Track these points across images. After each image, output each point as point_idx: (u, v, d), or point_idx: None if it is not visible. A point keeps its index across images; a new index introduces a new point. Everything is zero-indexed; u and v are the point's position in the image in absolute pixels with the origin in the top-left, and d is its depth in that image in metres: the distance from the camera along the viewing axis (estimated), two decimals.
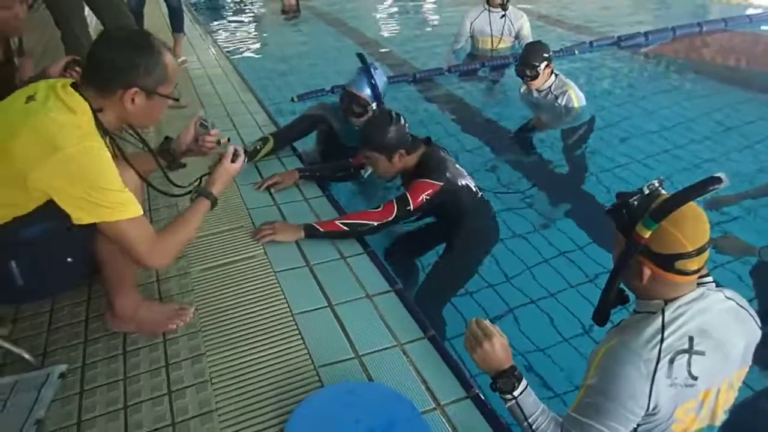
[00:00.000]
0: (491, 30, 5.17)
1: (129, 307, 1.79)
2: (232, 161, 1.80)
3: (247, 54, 6.57)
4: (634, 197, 1.28)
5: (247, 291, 2.00)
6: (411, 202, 2.20)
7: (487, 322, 1.47)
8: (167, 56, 1.60)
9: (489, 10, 5.12)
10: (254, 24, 8.28)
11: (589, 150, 3.73)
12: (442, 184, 2.24)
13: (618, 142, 3.78)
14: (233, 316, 1.88)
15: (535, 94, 3.87)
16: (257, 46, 7.07)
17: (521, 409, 1.37)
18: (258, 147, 2.87)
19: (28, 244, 1.48)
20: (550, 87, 3.83)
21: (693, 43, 5.97)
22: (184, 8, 5.33)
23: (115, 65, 1.51)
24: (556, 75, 3.84)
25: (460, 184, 2.32)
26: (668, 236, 1.22)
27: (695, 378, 1.24)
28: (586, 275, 2.53)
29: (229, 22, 8.32)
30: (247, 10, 9.09)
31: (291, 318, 1.87)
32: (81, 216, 1.45)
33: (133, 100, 1.54)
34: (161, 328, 1.81)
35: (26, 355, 1.69)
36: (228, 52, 5.93)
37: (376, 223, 2.20)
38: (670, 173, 3.28)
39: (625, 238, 1.28)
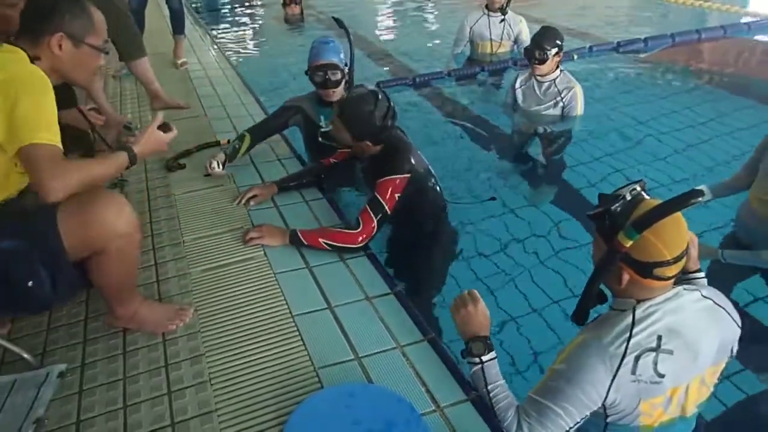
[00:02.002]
0: (490, 34, 5.18)
1: (130, 310, 1.79)
2: (164, 131, 1.82)
3: (248, 56, 6.58)
4: (617, 203, 1.30)
5: (247, 292, 2.00)
6: (385, 204, 2.13)
7: (477, 293, 1.62)
8: (92, 7, 1.67)
9: (488, 15, 5.13)
10: (256, 28, 8.30)
11: (585, 157, 3.73)
12: (409, 175, 2.17)
13: (615, 149, 3.78)
14: (233, 317, 1.88)
15: (536, 85, 3.79)
16: (258, 49, 7.08)
17: (484, 376, 1.48)
18: (237, 146, 2.83)
19: None
20: (554, 79, 3.75)
21: (692, 50, 6.00)
22: (186, 10, 5.33)
23: (40, 11, 1.60)
24: (562, 70, 3.78)
25: (422, 170, 2.26)
26: (648, 245, 1.25)
27: (662, 376, 1.28)
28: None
29: (231, 25, 8.33)
30: (249, 15, 9.10)
31: (291, 319, 1.87)
32: (27, 135, 1.44)
33: (60, 46, 1.60)
34: (161, 329, 1.81)
35: (25, 355, 1.68)
36: (229, 54, 5.94)
37: (359, 245, 2.16)
38: (666, 181, 3.29)
39: (605, 243, 1.31)
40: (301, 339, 1.78)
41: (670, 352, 1.28)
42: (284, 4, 8.09)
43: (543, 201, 3.31)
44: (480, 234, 2.92)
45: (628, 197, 1.30)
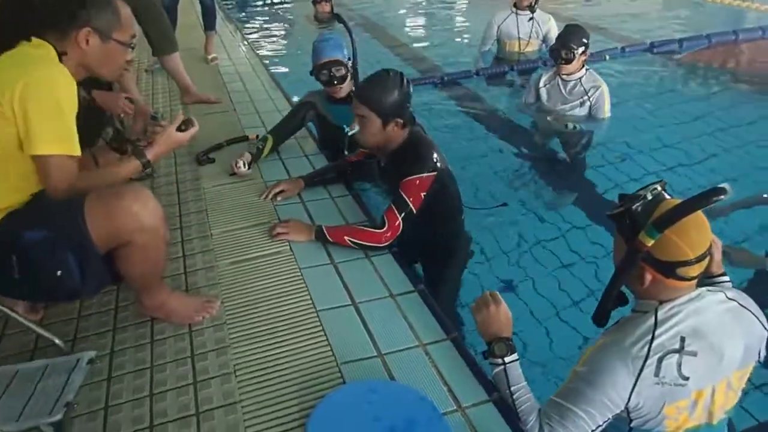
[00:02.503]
0: (518, 33, 5.10)
1: (157, 300, 1.83)
2: (182, 130, 1.81)
3: (277, 53, 6.62)
4: (637, 203, 1.28)
5: (272, 286, 2.02)
6: (410, 203, 2.11)
7: (499, 295, 1.61)
8: (120, 2, 1.70)
9: (516, 13, 5.06)
10: (285, 25, 8.33)
11: (614, 158, 3.67)
12: (435, 173, 2.15)
13: (647, 151, 3.70)
14: (258, 310, 1.90)
15: (561, 84, 3.74)
16: (288, 46, 7.12)
17: (507, 377, 1.47)
18: (260, 147, 2.88)
19: (25, 245, 1.52)
20: (580, 78, 3.70)
21: (728, 51, 5.85)
22: (217, 6, 5.40)
23: (67, 6, 1.61)
24: (587, 69, 3.73)
25: (444, 167, 2.22)
26: (671, 244, 1.23)
27: (686, 378, 1.26)
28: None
29: (261, 22, 8.39)
30: (280, 12, 9.14)
31: (315, 314, 1.88)
32: (39, 145, 1.49)
33: (87, 41, 1.61)
34: (188, 320, 1.84)
35: (57, 341, 1.73)
36: (258, 50, 5.99)
37: (384, 244, 2.14)
38: (698, 186, 3.22)
39: (626, 243, 1.29)
40: (325, 334, 1.79)
41: (694, 354, 1.26)
42: (314, 2, 8.05)
43: (566, 203, 3.27)
44: (501, 235, 2.90)
45: (649, 197, 1.29)
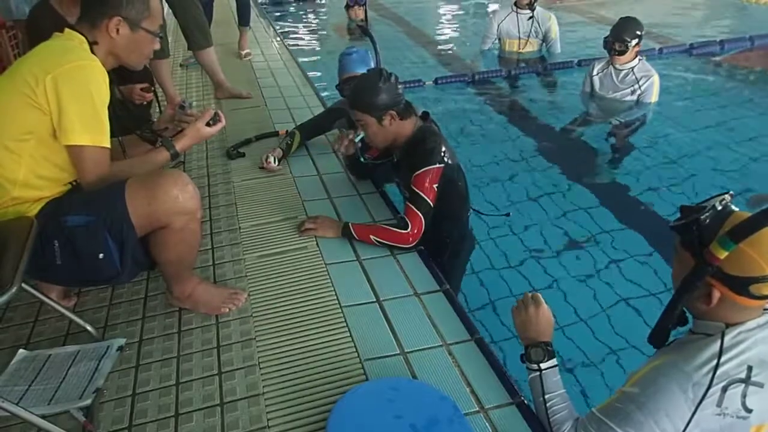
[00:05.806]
0: (519, 32, 5.07)
1: (187, 289, 1.86)
2: (211, 124, 1.85)
3: (309, 50, 6.66)
4: (705, 213, 1.19)
5: (298, 281, 2.03)
6: (426, 197, 2.11)
7: (540, 297, 1.55)
8: None
9: (517, 12, 5.03)
10: (319, 22, 8.38)
11: (651, 162, 3.60)
12: (442, 166, 2.14)
13: (684, 154, 3.63)
14: (283, 305, 1.92)
15: (614, 73, 3.85)
16: (321, 43, 7.16)
17: (542, 384, 1.41)
18: (289, 142, 2.93)
19: (68, 230, 1.56)
20: (632, 68, 3.83)
21: None
22: (251, 3, 5.47)
23: None
24: (640, 59, 3.85)
25: (453, 164, 2.21)
26: (745, 258, 1.13)
27: (749, 411, 1.16)
28: (645, 289, 2.47)
29: (295, 19, 8.45)
30: (313, 15, 9.14)
31: (339, 310, 1.89)
32: (71, 136, 1.54)
33: (117, 30, 1.66)
34: (215, 311, 1.87)
35: (89, 327, 1.78)
36: (291, 46, 6.04)
37: (411, 245, 2.15)
38: (737, 189, 3.12)
39: (693, 257, 1.20)
40: (349, 330, 1.80)
41: (761, 386, 1.16)
42: (347, 7, 7.95)
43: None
44: (529, 238, 2.88)
45: (718, 207, 1.19)
